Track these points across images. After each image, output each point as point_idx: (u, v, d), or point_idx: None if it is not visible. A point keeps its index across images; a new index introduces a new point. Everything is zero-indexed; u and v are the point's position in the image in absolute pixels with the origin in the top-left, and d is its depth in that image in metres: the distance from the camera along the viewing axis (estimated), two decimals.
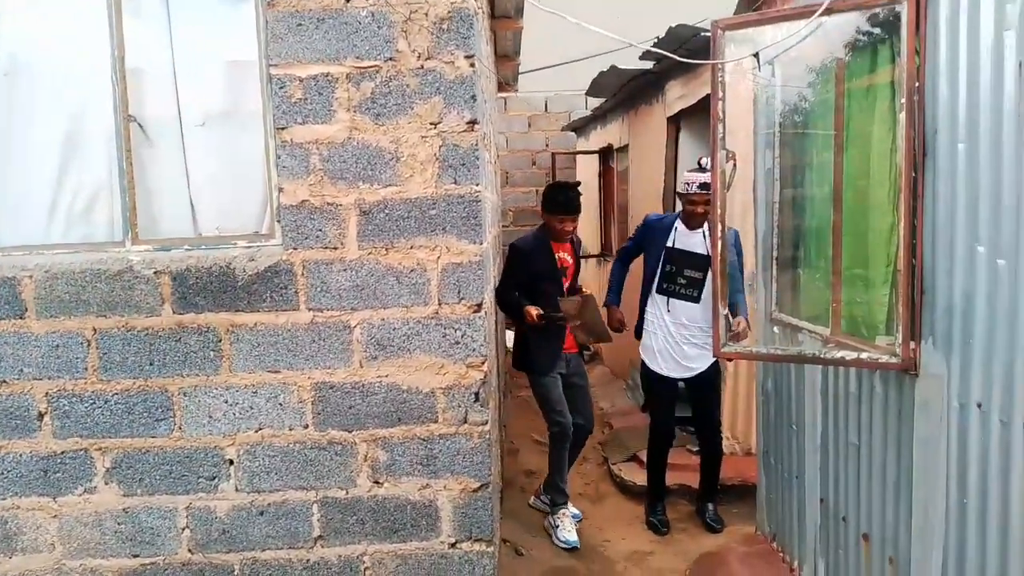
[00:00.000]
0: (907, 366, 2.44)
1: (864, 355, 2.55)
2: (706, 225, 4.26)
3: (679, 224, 4.33)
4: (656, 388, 4.41)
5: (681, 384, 4.42)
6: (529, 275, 4.27)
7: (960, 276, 2.21)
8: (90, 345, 3.04)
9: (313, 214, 3.00)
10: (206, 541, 3.13)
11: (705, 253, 4.19)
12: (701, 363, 4.28)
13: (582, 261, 4.80)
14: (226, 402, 3.08)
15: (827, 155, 3.08)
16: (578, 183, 4.35)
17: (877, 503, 2.73)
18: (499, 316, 4.97)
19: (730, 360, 4.23)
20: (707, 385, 4.38)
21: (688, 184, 4.21)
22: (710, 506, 4.54)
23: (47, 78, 3.09)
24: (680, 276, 4.28)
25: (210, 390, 3.07)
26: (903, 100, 2.36)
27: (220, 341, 3.05)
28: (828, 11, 2.49)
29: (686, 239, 4.29)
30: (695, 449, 4.79)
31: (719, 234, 2.70)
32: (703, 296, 4.21)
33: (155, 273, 3.02)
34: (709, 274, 4.16)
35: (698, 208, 4.17)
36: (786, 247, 3.51)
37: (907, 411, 2.51)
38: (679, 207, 4.50)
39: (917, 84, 2.36)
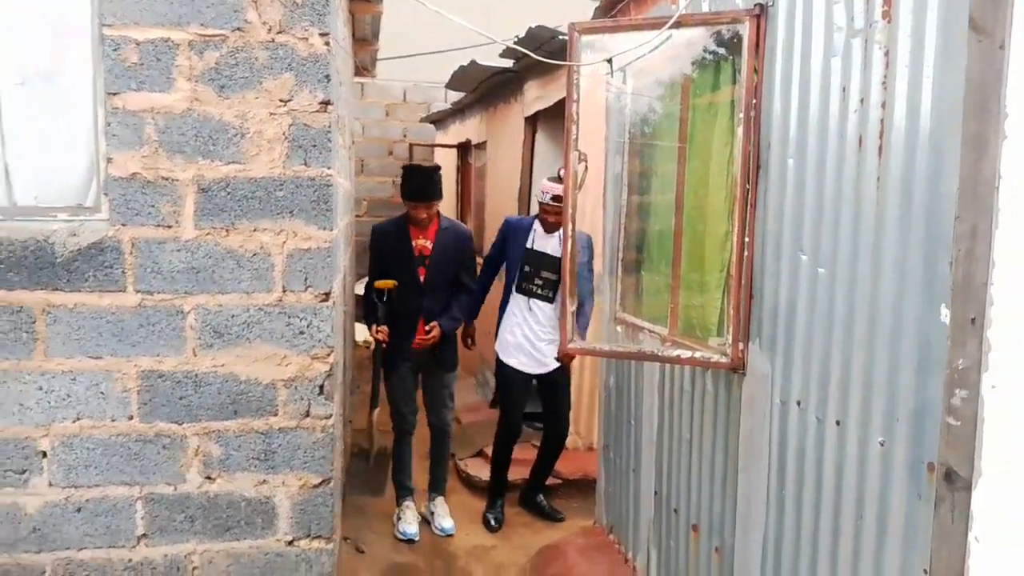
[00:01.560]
0: (735, 365, 2.59)
1: (698, 354, 2.68)
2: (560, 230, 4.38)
3: (537, 226, 4.42)
4: (511, 384, 4.47)
5: (534, 381, 4.51)
6: (382, 259, 4.19)
7: (785, 282, 2.36)
8: None
9: (145, 188, 2.79)
10: (13, 540, 2.86)
11: (559, 256, 4.30)
12: (555, 360, 4.39)
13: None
14: (40, 389, 2.82)
15: (671, 165, 3.23)
16: (437, 167, 4.26)
17: (706, 495, 2.88)
18: (348, 306, 4.86)
19: (573, 356, 4.34)
20: (559, 380, 4.51)
21: (544, 193, 4.31)
22: (541, 497, 4.67)
23: None
24: (537, 277, 4.39)
25: (21, 375, 2.80)
26: (741, 115, 2.49)
27: (34, 322, 2.78)
28: (677, 24, 2.59)
29: (543, 242, 4.40)
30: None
31: (569, 232, 2.75)
32: (556, 297, 4.32)
33: None
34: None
35: (550, 217, 4.31)
36: (631, 250, 3.64)
37: (735, 408, 2.66)
38: (535, 209, 4.58)
39: (755, 101, 2.50)
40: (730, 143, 2.68)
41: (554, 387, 4.51)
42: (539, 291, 4.39)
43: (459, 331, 4.44)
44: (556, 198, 4.18)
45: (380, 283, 4.13)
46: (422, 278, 4.20)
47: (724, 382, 2.74)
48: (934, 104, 1.76)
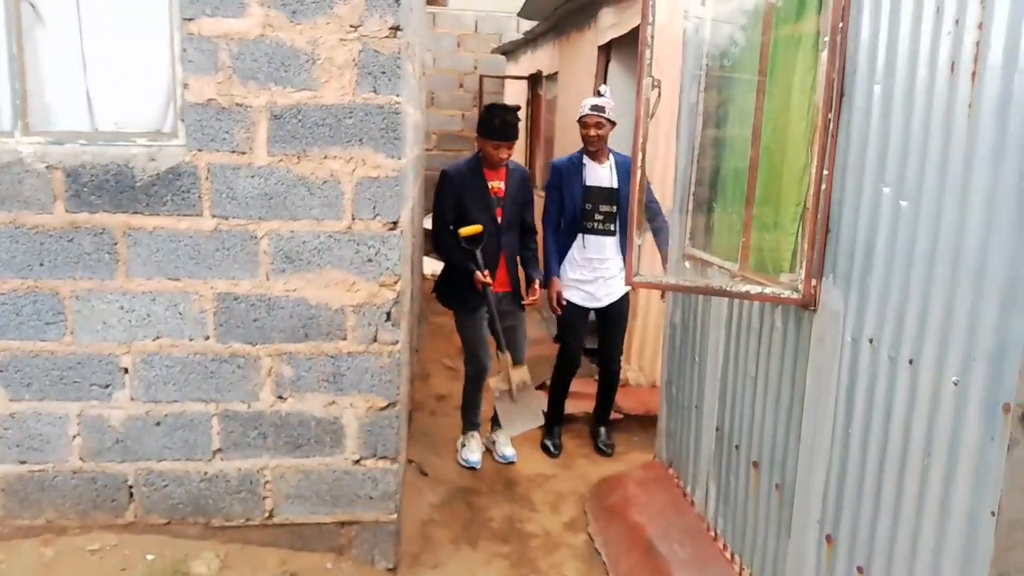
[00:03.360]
0: (807, 302, 2.52)
1: (768, 290, 2.62)
2: (611, 157, 4.32)
3: (587, 159, 4.35)
4: (569, 317, 4.47)
5: (592, 316, 4.51)
6: (459, 203, 4.18)
7: (865, 216, 2.27)
8: None
9: (220, 114, 2.84)
10: (99, 450, 3.03)
11: (612, 186, 4.26)
12: (613, 295, 4.37)
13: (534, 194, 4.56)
14: (122, 308, 2.95)
15: (750, 97, 3.10)
16: (518, 107, 4.21)
17: (769, 432, 2.85)
18: (416, 237, 4.91)
19: (639, 289, 4.31)
20: (616, 316, 4.50)
21: (583, 107, 4.25)
22: (603, 430, 4.72)
23: None
24: (597, 212, 4.33)
25: (105, 295, 2.93)
26: (827, 38, 2.37)
27: (116, 244, 2.89)
28: None
29: (595, 174, 4.33)
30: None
31: (639, 162, 2.69)
32: (616, 228, 4.32)
33: (47, 167, 2.83)
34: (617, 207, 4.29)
35: (590, 131, 4.26)
36: (703, 185, 3.55)
37: (803, 345, 2.60)
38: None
39: (841, 24, 2.36)
40: (813, 73, 2.56)
41: (611, 322, 4.51)
42: (599, 226, 4.35)
43: (547, 290, 4.44)
44: (596, 107, 4.16)
45: (466, 230, 4.10)
46: (499, 219, 4.19)
47: (794, 319, 2.68)
48: None
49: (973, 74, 1.83)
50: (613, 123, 4.30)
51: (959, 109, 1.88)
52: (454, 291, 4.31)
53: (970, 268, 1.83)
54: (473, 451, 4.43)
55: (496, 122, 4.07)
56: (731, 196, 3.32)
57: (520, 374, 4.25)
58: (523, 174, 4.37)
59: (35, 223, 2.85)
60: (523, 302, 4.35)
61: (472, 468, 4.37)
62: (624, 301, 4.49)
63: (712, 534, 3.33)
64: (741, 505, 3.07)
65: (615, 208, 4.33)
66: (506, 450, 4.51)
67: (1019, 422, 1.67)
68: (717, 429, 3.33)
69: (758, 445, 2.94)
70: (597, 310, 4.49)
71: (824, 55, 2.39)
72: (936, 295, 1.95)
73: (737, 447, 3.12)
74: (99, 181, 2.85)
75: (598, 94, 4.31)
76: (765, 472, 2.88)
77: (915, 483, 2.02)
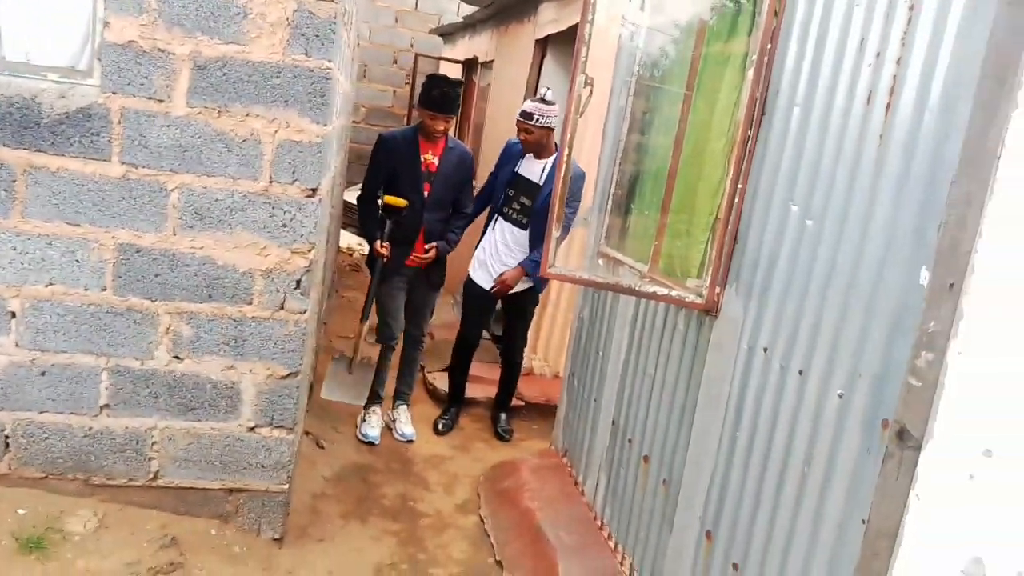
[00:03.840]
0: (709, 307, 2.62)
1: (673, 292, 2.71)
2: (553, 156, 4.36)
3: (529, 155, 4.39)
4: (470, 298, 4.54)
5: (499, 304, 4.56)
6: (389, 170, 4.13)
7: (771, 230, 2.37)
8: None
9: (140, 58, 2.72)
10: None
11: (538, 182, 4.32)
12: (518, 285, 4.45)
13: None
14: (14, 249, 2.79)
15: (675, 108, 3.20)
16: (460, 82, 4.17)
17: (661, 429, 2.95)
18: (335, 209, 4.83)
19: (551, 280, 4.36)
20: (520, 305, 4.59)
21: (528, 117, 4.27)
22: (502, 416, 4.80)
23: None
24: (515, 201, 4.39)
25: None
26: (755, 57, 2.46)
27: (15, 181, 2.74)
28: None
29: (529, 166, 4.38)
30: None
31: (564, 157, 2.73)
32: (527, 223, 4.39)
33: None
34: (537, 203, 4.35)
35: (520, 133, 4.32)
36: (623, 187, 3.63)
37: (702, 348, 2.71)
38: None
39: (770, 45, 2.46)
40: (738, 91, 2.65)
41: (515, 310, 4.59)
42: (515, 215, 4.42)
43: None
44: (524, 113, 4.20)
45: (391, 199, 4.05)
46: (426, 194, 4.15)
47: (695, 323, 2.78)
48: (951, 65, 1.74)
49: (888, 106, 1.94)
50: (549, 128, 4.31)
51: (870, 138, 1.98)
52: (372, 256, 4.27)
53: (864, 291, 1.94)
54: (373, 426, 4.40)
55: (435, 93, 4.03)
56: (648, 201, 3.41)
57: (369, 351, 4.23)
58: (464, 155, 4.31)
59: None
60: (407, 260, 4.23)
61: (371, 443, 4.35)
62: (529, 292, 4.56)
63: (599, 524, 3.42)
64: (629, 498, 3.17)
65: (532, 203, 4.38)
66: (405, 428, 4.51)
67: (895, 437, 1.79)
68: (613, 423, 3.42)
69: (650, 440, 3.04)
70: (505, 300, 4.53)
71: (750, 73, 2.48)
72: (829, 313, 2.06)
73: (630, 441, 3.22)
74: (2, 113, 2.68)
75: (541, 99, 4.26)
76: (654, 467, 2.98)
77: (794, 488, 2.13)
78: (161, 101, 2.76)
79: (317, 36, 2.80)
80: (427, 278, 4.34)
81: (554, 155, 4.39)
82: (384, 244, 4.06)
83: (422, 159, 4.13)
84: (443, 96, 4.03)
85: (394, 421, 4.56)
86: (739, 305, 2.50)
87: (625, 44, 3.70)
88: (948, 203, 1.67)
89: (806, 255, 2.18)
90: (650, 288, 2.80)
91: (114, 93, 2.74)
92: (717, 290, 2.60)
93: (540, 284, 4.54)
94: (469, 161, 4.35)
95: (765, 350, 2.33)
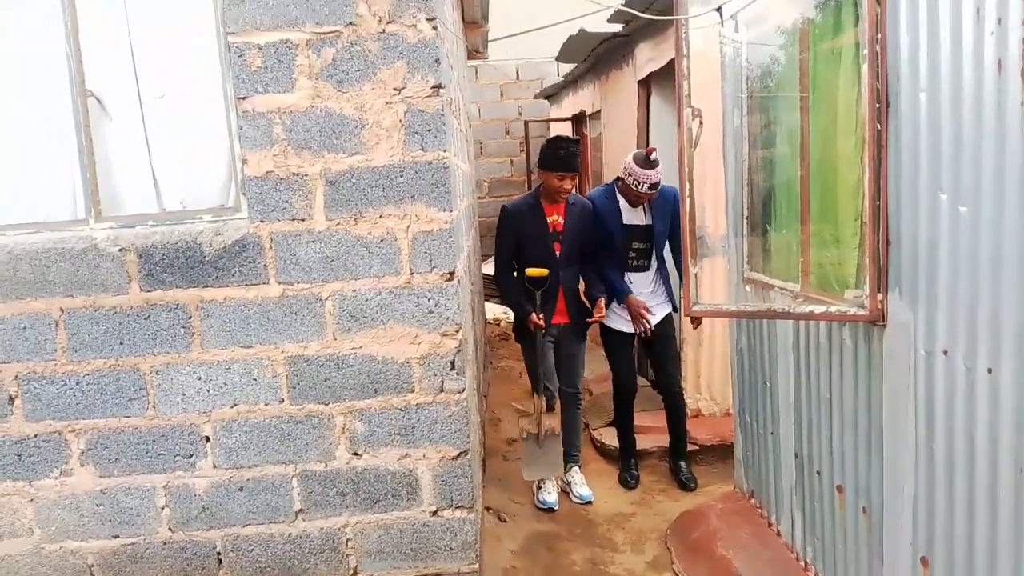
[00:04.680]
0: (874, 317, 2.46)
1: (832, 308, 2.57)
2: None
3: (622, 200, 4.36)
4: (614, 344, 4.51)
5: (636, 344, 4.55)
6: (519, 238, 4.23)
7: (924, 225, 2.22)
8: (58, 326, 3.00)
9: (279, 185, 2.96)
10: (186, 519, 3.12)
11: (644, 224, 4.38)
12: (654, 319, 4.39)
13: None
14: (199, 379, 3.06)
15: (795, 115, 3.09)
16: (578, 139, 4.25)
17: (850, 454, 2.77)
18: (475, 285, 4.97)
19: (699, 318, 4.25)
20: (662, 338, 4.47)
21: (639, 182, 4.17)
22: (682, 464, 4.64)
23: (0, 55, 3.02)
24: (631, 250, 4.42)
25: (182, 367, 3.04)
26: (866, 50, 2.35)
27: (190, 317, 3.02)
28: None
29: (631, 215, 4.39)
30: None
31: (687, 192, 2.69)
32: (650, 263, 4.42)
33: (120, 250, 2.98)
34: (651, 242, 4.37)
35: (643, 200, 4.28)
36: (756, 207, 3.52)
37: (876, 362, 2.54)
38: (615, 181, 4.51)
39: (879, 34, 2.35)
40: (857, 86, 2.54)
41: (656, 345, 4.49)
42: (634, 263, 4.43)
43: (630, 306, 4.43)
44: (654, 186, 4.16)
45: (534, 271, 4.15)
46: (558, 254, 4.22)
47: (863, 335, 2.61)
48: None
49: (1022, 72, 1.80)
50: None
51: (1011, 109, 1.84)
52: (520, 327, 4.35)
53: None
54: (549, 492, 4.40)
55: (560, 153, 4.12)
56: (786, 216, 3.29)
57: (550, 420, 4.23)
58: (584, 207, 4.35)
59: (113, 304, 3.00)
60: (588, 320, 4.30)
61: (550, 510, 4.34)
62: (667, 324, 4.49)
63: (801, 564, 3.22)
64: (828, 532, 2.97)
65: (650, 244, 4.40)
66: (582, 490, 4.47)
67: None
68: (796, 455, 3.25)
69: (840, 469, 2.85)
70: (642, 340, 4.48)
71: (865, 66, 2.38)
72: (1007, 301, 1.89)
73: (819, 472, 3.04)
74: (170, 259, 2.99)
75: (650, 162, 4.15)
76: (850, 496, 2.79)
77: (1009, 497, 1.93)
78: (303, 220, 2.98)
79: (429, 131, 2.94)
80: (572, 331, 4.37)
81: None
82: (540, 314, 4.13)
83: (548, 222, 4.20)
84: (568, 155, 4.13)
85: (569, 484, 4.54)
86: (907, 309, 2.34)
87: (729, 62, 3.63)
88: None
89: (967, 244, 2.02)
90: (807, 308, 2.68)
91: (262, 221, 2.98)
92: (879, 297, 2.45)
93: (675, 303, 4.48)
94: (590, 210, 4.38)
95: (945, 352, 2.15)
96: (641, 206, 4.36)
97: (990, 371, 1.96)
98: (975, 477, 2.06)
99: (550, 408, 4.36)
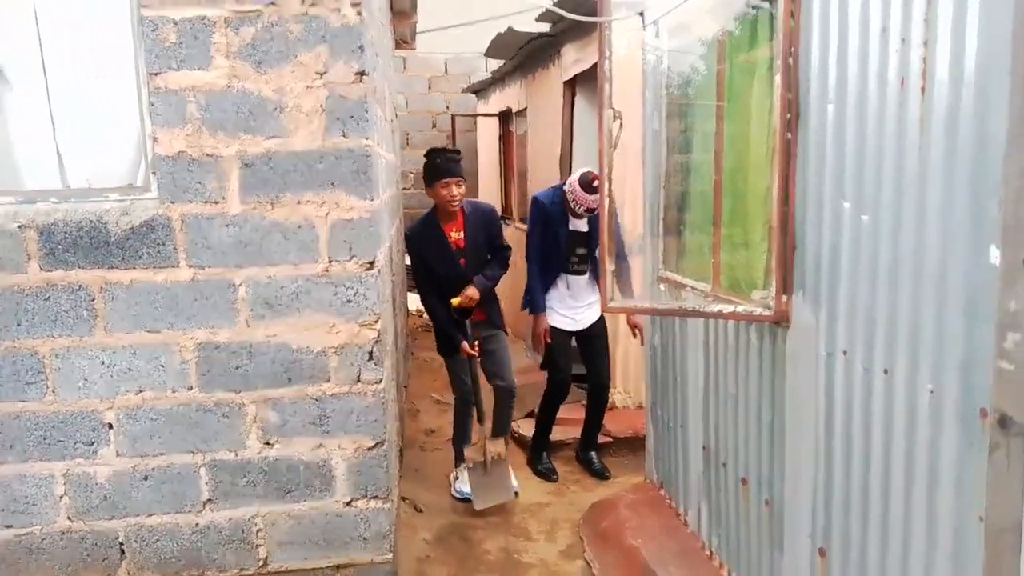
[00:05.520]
0: (779, 318, 2.56)
1: (740, 308, 2.66)
2: None
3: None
4: (555, 339, 4.59)
5: (574, 343, 4.59)
6: (424, 261, 4.24)
7: (828, 232, 2.32)
8: None
9: (191, 165, 2.87)
10: (87, 508, 3.01)
11: (586, 231, 4.53)
12: (591, 319, 4.60)
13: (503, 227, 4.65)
14: (102, 363, 2.94)
15: (711, 123, 3.18)
16: (456, 148, 4.34)
17: (754, 449, 2.88)
18: (398, 275, 4.93)
19: (639, 327, 4.43)
20: (596, 336, 4.66)
21: (577, 203, 4.33)
22: (593, 455, 4.75)
23: None
24: (572, 255, 4.57)
25: (84, 351, 2.92)
26: (779, 62, 2.44)
27: (93, 300, 2.90)
28: None
29: (575, 221, 4.55)
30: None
31: (606, 192, 2.74)
32: (587, 268, 4.60)
33: (19, 227, 2.83)
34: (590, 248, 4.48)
35: (587, 205, 4.36)
36: (672, 209, 3.61)
37: (780, 360, 2.64)
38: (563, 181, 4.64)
39: (792, 48, 2.44)
40: (770, 97, 2.63)
41: (591, 342, 4.66)
42: (575, 267, 4.59)
43: (532, 325, 4.62)
44: (592, 210, 4.30)
45: (458, 301, 4.21)
46: (464, 267, 4.27)
47: (769, 335, 2.72)
48: (980, 41, 1.69)
49: (922, 89, 1.89)
50: None
51: (911, 123, 1.93)
52: (442, 341, 4.40)
53: (933, 276, 1.87)
54: (466, 482, 4.41)
55: (437, 161, 4.16)
56: (700, 219, 3.38)
57: (496, 446, 4.30)
58: (485, 213, 4.39)
59: (10, 283, 2.85)
60: (500, 325, 4.44)
61: (467, 500, 4.35)
62: (601, 322, 4.65)
63: (707, 553, 3.33)
64: (733, 523, 3.08)
65: (588, 250, 4.56)
66: (464, 487, 4.47)
67: (997, 426, 1.70)
68: (704, 448, 3.35)
69: (744, 462, 2.96)
70: (577, 336, 4.65)
71: (778, 78, 2.46)
72: (902, 305, 1.99)
73: (724, 465, 3.14)
74: (73, 238, 2.86)
75: (591, 188, 4.24)
76: (754, 489, 2.90)
77: (900, 493, 2.04)
78: (217, 203, 2.90)
79: (352, 117, 2.90)
80: (488, 321, 4.41)
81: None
82: (474, 344, 4.25)
83: (450, 240, 4.25)
84: (446, 161, 4.16)
85: (455, 480, 4.55)
86: (809, 311, 2.44)
87: (651, 70, 3.71)
88: (1005, 178, 1.61)
89: (867, 251, 2.13)
90: (716, 307, 2.76)
91: (172, 202, 2.88)
92: (784, 299, 2.55)
93: None
94: (490, 213, 4.44)
95: (845, 353, 2.26)
96: (585, 219, 4.49)
97: (886, 372, 2.07)
98: (869, 473, 2.17)
99: (464, 402, 4.40)
